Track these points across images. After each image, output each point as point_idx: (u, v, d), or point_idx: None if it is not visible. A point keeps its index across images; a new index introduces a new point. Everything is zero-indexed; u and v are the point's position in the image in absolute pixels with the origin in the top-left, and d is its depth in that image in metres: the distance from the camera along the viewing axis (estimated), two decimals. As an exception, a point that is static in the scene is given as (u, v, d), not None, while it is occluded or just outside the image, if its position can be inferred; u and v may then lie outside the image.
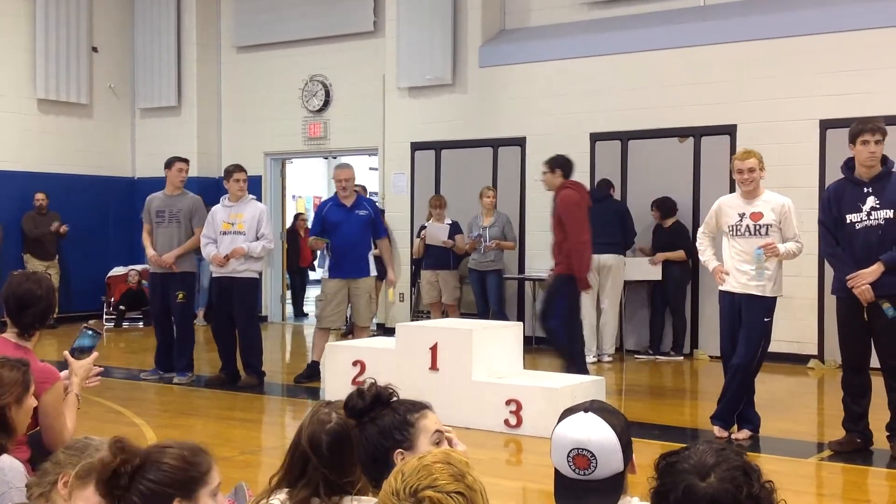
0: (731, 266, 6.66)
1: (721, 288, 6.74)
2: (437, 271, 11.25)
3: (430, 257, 11.35)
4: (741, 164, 6.55)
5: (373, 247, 9.22)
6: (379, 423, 2.72)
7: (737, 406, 6.69)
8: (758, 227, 6.53)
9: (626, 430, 2.58)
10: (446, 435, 2.72)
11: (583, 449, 2.48)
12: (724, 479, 1.92)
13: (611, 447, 2.50)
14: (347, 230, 8.86)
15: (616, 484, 2.51)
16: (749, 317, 6.56)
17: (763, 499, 1.93)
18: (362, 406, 2.76)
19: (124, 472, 2.21)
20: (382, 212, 10.92)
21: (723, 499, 1.90)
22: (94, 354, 3.68)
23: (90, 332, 3.75)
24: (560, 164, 8.69)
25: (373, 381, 2.82)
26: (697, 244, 7.06)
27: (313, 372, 8.88)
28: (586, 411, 2.58)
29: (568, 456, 2.50)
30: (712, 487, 1.92)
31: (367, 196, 11.09)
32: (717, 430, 6.70)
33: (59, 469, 2.62)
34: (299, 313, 15.11)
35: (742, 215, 6.59)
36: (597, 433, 2.51)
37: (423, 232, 11.41)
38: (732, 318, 6.65)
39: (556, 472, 2.56)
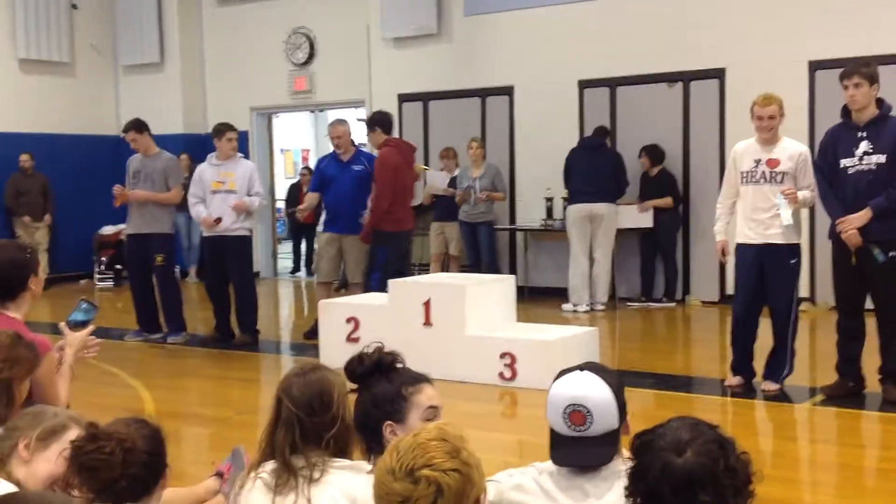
0: (745, 216, 6.41)
1: (738, 241, 6.48)
2: (443, 223, 11.24)
3: (438, 209, 11.35)
4: (761, 111, 6.30)
5: (368, 205, 9.08)
6: (373, 391, 2.72)
7: (788, 356, 6.42)
8: (773, 174, 6.30)
9: (621, 390, 2.62)
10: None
11: (579, 405, 2.53)
12: (701, 453, 1.96)
13: (606, 403, 2.55)
14: (341, 185, 8.81)
15: (611, 440, 2.56)
16: (775, 265, 6.32)
17: (739, 470, 1.98)
18: (361, 371, 2.75)
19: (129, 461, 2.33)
20: None
21: (700, 473, 1.94)
22: (91, 327, 3.69)
23: (86, 305, 3.75)
24: (376, 122, 8.68)
25: (379, 345, 2.79)
26: (717, 206, 6.69)
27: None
28: (582, 370, 2.62)
29: (564, 412, 2.54)
30: (689, 463, 1.95)
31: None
32: (770, 384, 6.43)
33: (17, 434, 2.65)
34: (297, 268, 15.02)
35: (758, 161, 6.34)
36: (593, 390, 2.56)
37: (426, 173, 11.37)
38: (751, 270, 6.40)
39: (552, 430, 2.59)
